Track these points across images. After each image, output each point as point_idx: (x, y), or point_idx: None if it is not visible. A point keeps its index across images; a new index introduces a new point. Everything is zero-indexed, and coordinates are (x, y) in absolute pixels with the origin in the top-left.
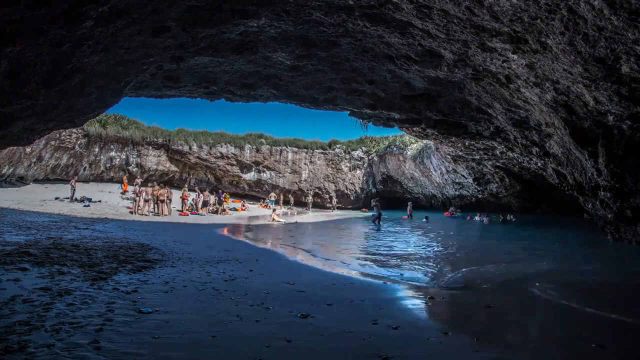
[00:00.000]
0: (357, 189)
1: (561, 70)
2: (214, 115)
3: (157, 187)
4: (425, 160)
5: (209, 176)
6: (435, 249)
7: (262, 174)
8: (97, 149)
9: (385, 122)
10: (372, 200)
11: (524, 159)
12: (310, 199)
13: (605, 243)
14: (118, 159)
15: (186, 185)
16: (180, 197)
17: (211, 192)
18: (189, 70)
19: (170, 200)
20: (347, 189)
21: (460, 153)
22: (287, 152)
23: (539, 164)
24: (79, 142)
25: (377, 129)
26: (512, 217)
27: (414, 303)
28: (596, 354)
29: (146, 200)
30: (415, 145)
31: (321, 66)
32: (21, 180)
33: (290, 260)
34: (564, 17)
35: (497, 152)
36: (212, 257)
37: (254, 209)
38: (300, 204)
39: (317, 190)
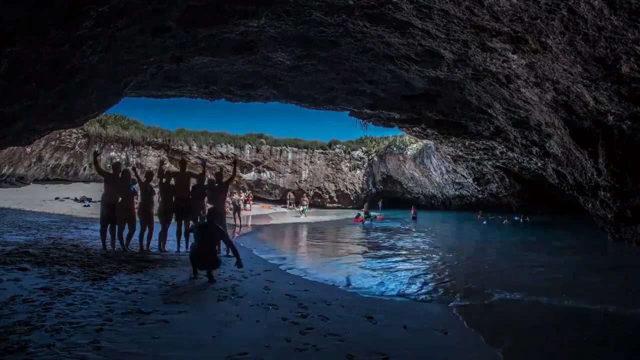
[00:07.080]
0: (357, 189)
1: (561, 70)
2: (214, 115)
3: None
4: (425, 160)
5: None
6: None
7: (262, 174)
8: (97, 149)
9: (385, 122)
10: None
11: (524, 159)
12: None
13: None
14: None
15: None
16: None
17: None
18: (189, 70)
19: None
20: (347, 189)
21: (460, 153)
22: (287, 152)
23: (539, 164)
24: (79, 142)
25: (377, 129)
26: None
27: None
28: None
29: None
30: (415, 145)
31: (321, 66)
32: (21, 180)
33: None
34: (564, 17)
35: (497, 152)
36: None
37: (256, 209)
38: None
39: (317, 190)
